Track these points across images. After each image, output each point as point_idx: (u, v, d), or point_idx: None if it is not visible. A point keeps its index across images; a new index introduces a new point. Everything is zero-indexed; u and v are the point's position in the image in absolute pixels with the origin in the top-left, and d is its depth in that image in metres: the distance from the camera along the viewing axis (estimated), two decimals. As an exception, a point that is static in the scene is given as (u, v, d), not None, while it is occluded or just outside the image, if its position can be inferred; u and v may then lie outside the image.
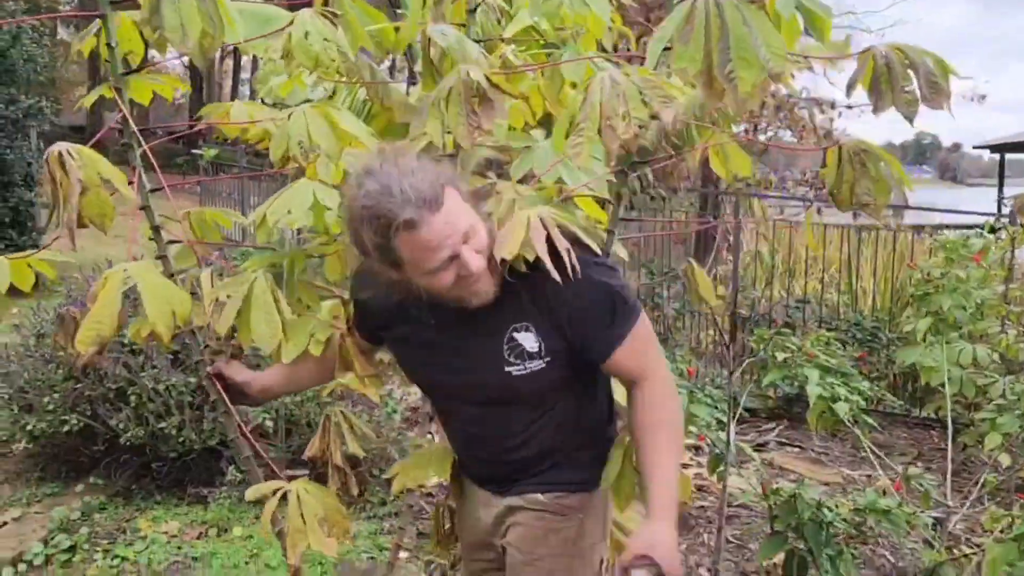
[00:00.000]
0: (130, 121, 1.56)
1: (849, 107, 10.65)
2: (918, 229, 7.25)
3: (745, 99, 1.26)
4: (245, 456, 1.78)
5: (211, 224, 1.80)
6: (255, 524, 3.15)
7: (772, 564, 3.24)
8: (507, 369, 1.39)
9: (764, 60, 1.22)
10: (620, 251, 1.89)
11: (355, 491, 1.91)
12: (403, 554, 3.09)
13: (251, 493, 1.60)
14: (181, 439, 3.15)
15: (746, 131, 10.53)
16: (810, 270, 7.14)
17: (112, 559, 2.83)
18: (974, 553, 2.87)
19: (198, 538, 3.04)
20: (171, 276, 1.59)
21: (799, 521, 2.28)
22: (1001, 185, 21.52)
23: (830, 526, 2.28)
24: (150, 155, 1.58)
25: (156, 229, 1.62)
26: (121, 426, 3.13)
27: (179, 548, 2.95)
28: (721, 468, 2.64)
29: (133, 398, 3.13)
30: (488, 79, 1.37)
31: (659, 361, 1.44)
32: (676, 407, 1.44)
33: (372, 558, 3.04)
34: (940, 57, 1.33)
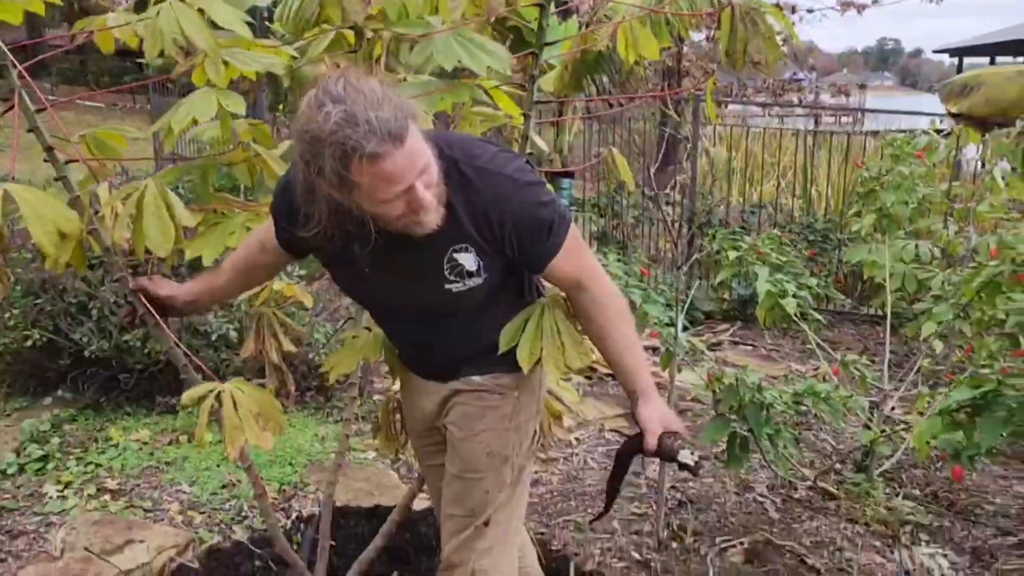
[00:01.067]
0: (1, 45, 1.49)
1: (810, 11, 10.55)
2: (874, 134, 7.33)
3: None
4: (183, 364, 1.80)
5: (109, 144, 1.72)
6: (225, 430, 3.25)
7: (721, 451, 3.44)
8: (447, 287, 1.46)
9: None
10: (538, 141, 1.93)
11: (292, 387, 1.98)
12: (371, 453, 3.22)
13: (186, 397, 1.60)
14: (146, 351, 3.20)
15: (707, 38, 10.43)
16: (767, 176, 7.25)
17: (85, 466, 2.91)
18: (906, 431, 3.07)
19: (169, 444, 3.13)
20: (75, 196, 1.55)
21: (740, 403, 2.42)
22: (959, 90, 21.56)
23: (769, 407, 2.42)
24: (28, 79, 1.48)
25: (49, 150, 1.57)
26: (85, 340, 3.16)
27: (151, 454, 3.04)
28: (682, 357, 2.76)
29: (95, 312, 3.16)
30: None
31: (595, 263, 1.54)
32: (623, 300, 1.55)
33: (340, 457, 3.16)
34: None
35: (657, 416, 1.50)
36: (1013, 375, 2.23)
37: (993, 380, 2.25)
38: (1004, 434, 2.22)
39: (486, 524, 1.65)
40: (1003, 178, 3.99)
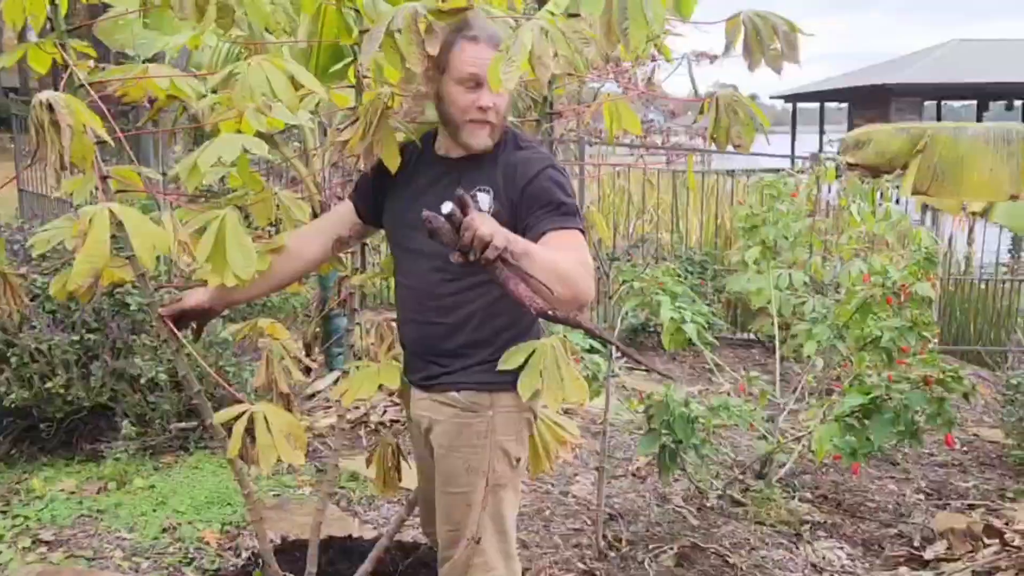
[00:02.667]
0: (77, 77, 1.62)
1: (668, 60, 11.38)
2: (729, 173, 8.01)
3: (635, 48, 1.60)
4: (196, 391, 1.90)
5: (129, 179, 1.79)
6: (155, 475, 3.19)
7: (638, 468, 3.72)
8: None
9: (650, 21, 1.54)
10: None
11: (298, 414, 2.08)
12: (307, 489, 3.26)
13: (219, 417, 1.74)
14: (69, 398, 3.11)
15: (582, 82, 11.01)
16: (640, 213, 7.76)
17: (13, 519, 2.79)
18: (796, 441, 3.46)
19: (98, 493, 3.05)
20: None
21: (671, 418, 2.69)
22: (794, 132, 23.65)
23: (696, 420, 2.70)
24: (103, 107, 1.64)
25: (104, 179, 1.68)
26: (3, 389, 3.04)
27: (80, 503, 2.95)
28: (601, 383, 3.00)
29: (14, 359, 3.05)
30: (435, 9, 1.60)
31: (587, 260, 1.57)
32: (581, 276, 1.53)
33: (277, 495, 3.18)
34: (790, 20, 1.69)
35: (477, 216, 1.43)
36: (897, 382, 2.62)
37: (881, 387, 2.63)
38: (893, 432, 2.60)
39: (477, 541, 1.72)
40: (859, 214, 4.56)
